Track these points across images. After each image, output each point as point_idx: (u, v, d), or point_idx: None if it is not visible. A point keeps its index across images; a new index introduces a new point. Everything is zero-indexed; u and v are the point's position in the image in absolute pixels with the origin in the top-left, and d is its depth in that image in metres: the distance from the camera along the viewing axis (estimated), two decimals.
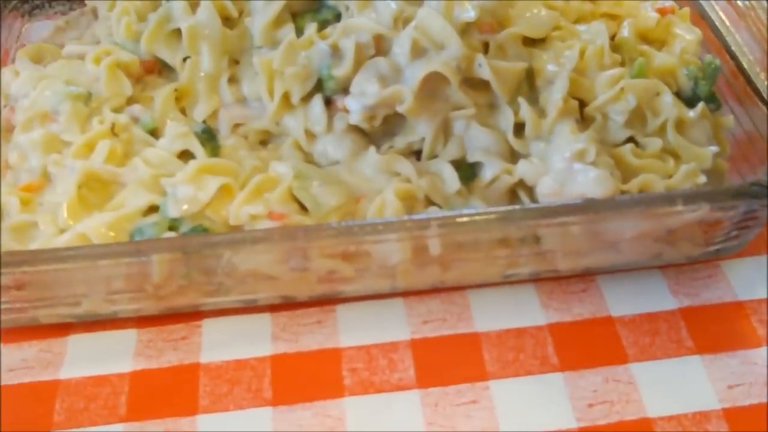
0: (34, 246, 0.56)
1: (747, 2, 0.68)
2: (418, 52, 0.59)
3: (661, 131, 0.60)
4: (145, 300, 0.56)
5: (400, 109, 0.58)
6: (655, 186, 0.57)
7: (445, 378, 0.54)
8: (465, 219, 0.52)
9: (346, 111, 0.60)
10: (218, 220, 0.56)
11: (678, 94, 0.63)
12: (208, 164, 0.58)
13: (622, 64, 0.63)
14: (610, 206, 0.53)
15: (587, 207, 0.53)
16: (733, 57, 0.65)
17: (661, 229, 0.56)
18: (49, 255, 0.52)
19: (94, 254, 0.52)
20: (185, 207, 0.55)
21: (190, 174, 0.56)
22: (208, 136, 0.62)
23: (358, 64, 0.59)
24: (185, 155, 0.60)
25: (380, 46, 0.59)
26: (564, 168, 0.56)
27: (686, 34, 0.67)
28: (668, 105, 0.60)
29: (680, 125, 0.61)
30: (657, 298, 0.58)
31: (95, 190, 0.58)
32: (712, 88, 0.63)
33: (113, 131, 0.61)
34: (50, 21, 0.81)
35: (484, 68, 0.58)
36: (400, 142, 0.60)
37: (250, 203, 0.55)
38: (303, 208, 0.57)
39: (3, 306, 0.55)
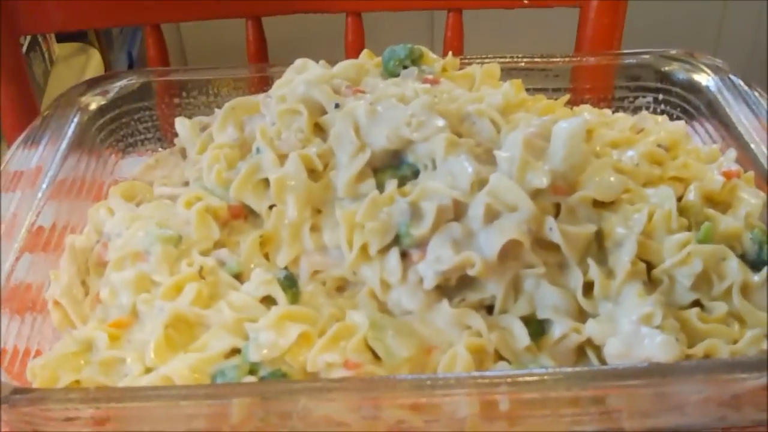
0: (121, 383, 0.59)
1: None
2: (490, 216, 0.62)
3: (726, 295, 0.62)
4: None
5: (471, 272, 0.61)
6: (720, 352, 0.58)
7: None
8: (534, 378, 0.54)
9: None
10: (296, 366, 0.59)
11: (743, 257, 0.65)
12: (289, 312, 0.61)
13: (689, 227, 0.66)
14: (675, 372, 0.55)
15: (652, 371, 0.55)
16: None
17: (724, 394, 0.57)
18: (135, 393, 0.55)
19: (177, 395, 0.55)
20: (265, 352, 0.58)
21: (273, 321, 0.60)
22: (290, 283, 0.65)
23: (436, 226, 0.62)
24: (267, 300, 0.63)
25: (457, 209, 0.63)
26: (631, 331, 0.58)
27: (751, 198, 0.69)
28: (734, 270, 0.62)
29: (745, 289, 0.62)
30: None
31: (180, 331, 0.62)
32: None
33: (201, 274, 0.65)
34: (141, 158, 0.87)
35: (554, 232, 0.61)
36: (472, 297, 0.63)
37: (327, 351, 0.58)
38: (376, 357, 0.60)
39: None
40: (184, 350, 0.60)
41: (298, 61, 0.80)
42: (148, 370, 0.60)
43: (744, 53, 2.10)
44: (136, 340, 0.62)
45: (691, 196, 0.68)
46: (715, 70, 0.84)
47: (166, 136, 0.89)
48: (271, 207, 0.69)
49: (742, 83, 0.81)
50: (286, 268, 0.66)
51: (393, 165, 0.68)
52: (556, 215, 0.64)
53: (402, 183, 0.67)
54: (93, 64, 2.21)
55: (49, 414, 0.56)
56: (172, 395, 0.55)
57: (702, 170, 0.72)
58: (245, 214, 0.70)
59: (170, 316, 0.61)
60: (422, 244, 0.64)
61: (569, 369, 0.57)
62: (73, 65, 2.17)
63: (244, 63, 1.19)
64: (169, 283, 0.64)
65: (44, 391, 0.58)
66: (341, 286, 0.66)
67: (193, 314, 0.62)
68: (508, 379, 0.54)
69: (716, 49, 2.03)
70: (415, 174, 0.68)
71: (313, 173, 0.69)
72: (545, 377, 0.54)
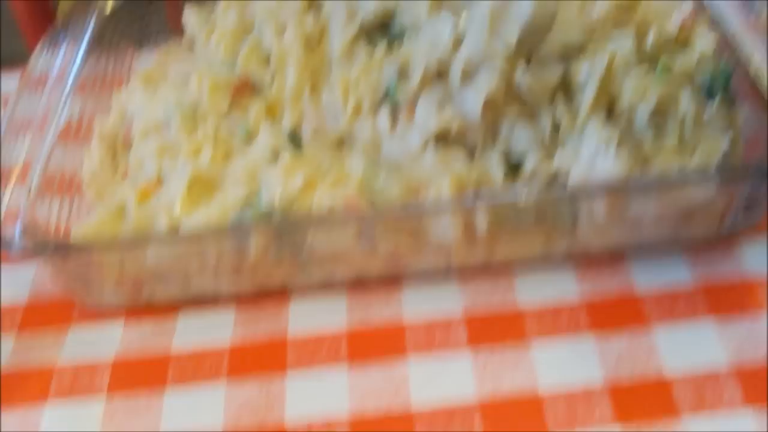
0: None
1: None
2: (468, 76, 0.69)
3: (681, 125, 0.69)
4: (242, 280, 0.68)
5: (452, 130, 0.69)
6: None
7: (493, 340, 0.65)
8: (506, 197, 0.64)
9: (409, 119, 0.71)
10: (304, 209, 0.67)
11: (698, 92, 0.71)
12: (295, 162, 0.69)
13: (647, 68, 0.73)
14: (628, 185, 0.64)
15: (609, 186, 0.64)
16: (747, 61, 0.73)
17: (674, 206, 0.65)
18: (167, 236, 0.66)
19: (202, 235, 0.65)
20: (277, 197, 0.67)
21: (281, 170, 0.68)
22: (294, 139, 0.73)
23: (422, 85, 0.70)
24: (276, 157, 0.71)
25: (440, 69, 0.70)
26: (590, 155, 0.66)
27: (704, 40, 0.75)
28: (687, 100, 0.69)
29: (698, 119, 0.69)
30: (677, 272, 0.67)
31: (202, 187, 0.70)
32: (727, 86, 0.72)
33: (215, 138, 0.74)
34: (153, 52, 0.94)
35: (523, 82, 0.69)
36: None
37: (329, 193, 0.67)
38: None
39: (126, 288, 0.68)
40: (206, 204, 0.69)
41: None
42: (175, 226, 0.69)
43: None
44: (163, 200, 0.71)
45: (650, 39, 0.74)
46: None
47: (175, 31, 0.94)
48: (273, 78, 0.77)
49: None
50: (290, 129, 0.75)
51: (381, 31, 0.76)
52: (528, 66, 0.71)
53: (391, 47, 0.74)
54: None
55: (93, 264, 0.66)
56: (198, 235, 0.65)
57: (661, 16, 0.78)
58: (251, 86, 0.78)
59: (192, 174, 0.70)
60: (410, 102, 0.71)
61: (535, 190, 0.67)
62: None
63: None
64: (189, 147, 0.73)
65: (82, 243, 0.67)
66: (339, 143, 0.74)
67: (211, 171, 0.71)
68: (485, 198, 0.64)
69: None
70: (403, 38, 0.75)
71: (309, 44, 0.76)
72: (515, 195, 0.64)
